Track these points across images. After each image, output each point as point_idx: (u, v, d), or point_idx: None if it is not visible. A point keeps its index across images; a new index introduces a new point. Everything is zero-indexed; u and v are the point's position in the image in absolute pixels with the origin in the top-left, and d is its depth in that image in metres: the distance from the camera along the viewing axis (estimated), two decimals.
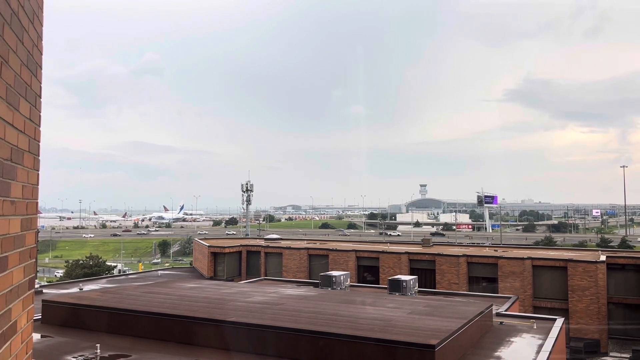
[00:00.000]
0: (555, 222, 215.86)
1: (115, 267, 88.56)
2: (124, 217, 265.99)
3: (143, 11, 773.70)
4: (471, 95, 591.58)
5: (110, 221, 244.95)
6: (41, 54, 3.25)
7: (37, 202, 3.18)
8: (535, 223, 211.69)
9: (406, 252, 45.96)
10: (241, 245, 54.41)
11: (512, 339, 20.55)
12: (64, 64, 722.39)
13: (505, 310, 27.19)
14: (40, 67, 3.25)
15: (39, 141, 3.19)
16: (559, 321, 23.56)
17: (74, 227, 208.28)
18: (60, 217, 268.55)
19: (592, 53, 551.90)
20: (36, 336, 19.26)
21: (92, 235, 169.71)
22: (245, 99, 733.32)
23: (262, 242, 58.25)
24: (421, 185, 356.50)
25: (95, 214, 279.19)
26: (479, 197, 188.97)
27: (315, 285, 34.83)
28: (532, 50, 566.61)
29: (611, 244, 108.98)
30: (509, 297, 32.57)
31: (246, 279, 45.43)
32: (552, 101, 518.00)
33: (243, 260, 53.36)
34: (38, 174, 3.18)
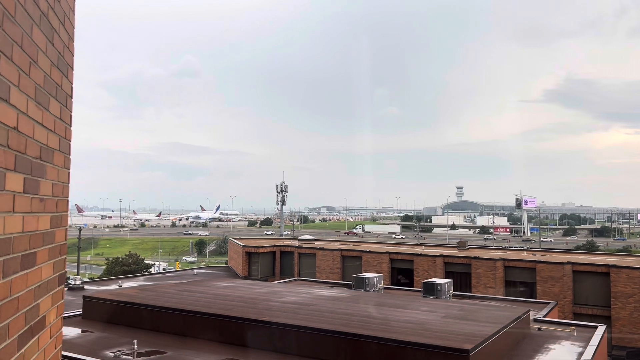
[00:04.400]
0: (598, 226, 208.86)
1: (153, 264, 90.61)
2: (158, 216, 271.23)
3: (182, 14, 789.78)
4: (509, 96, 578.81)
5: (147, 220, 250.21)
6: (72, 55, 3.32)
7: (67, 200, 3.24)
8: (576, 227, 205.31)
9: (441, 255, 45.31)
10: (275, 246, 54.76)
11: (550, 346, 19.97)
12: (106, 67, 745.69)
13: (544, 316, 26.48)
14: (72, 68, 3.32)
15: (69, 140, 3.26)
16: (601, 329, 22.77)
17: (114, 226, 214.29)
18: (102, 215, 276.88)
19: (637, 52, 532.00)
20: (77, 331, 19.89)
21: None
22: (279, 99, 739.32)
23: (296, 243, 58.48)
24: (457, 188, 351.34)
25: (134, 213, 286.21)
26: (517, 199, 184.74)
27: (349, 286, 34.72)
28: (574, 50, 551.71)
29: None
30: (548, 303, 31.72)
31: (280, 279, 45.70)
32: (595, 102, 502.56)
33: (277, 261, 53.69)
34: (69, 172, 3.25)
